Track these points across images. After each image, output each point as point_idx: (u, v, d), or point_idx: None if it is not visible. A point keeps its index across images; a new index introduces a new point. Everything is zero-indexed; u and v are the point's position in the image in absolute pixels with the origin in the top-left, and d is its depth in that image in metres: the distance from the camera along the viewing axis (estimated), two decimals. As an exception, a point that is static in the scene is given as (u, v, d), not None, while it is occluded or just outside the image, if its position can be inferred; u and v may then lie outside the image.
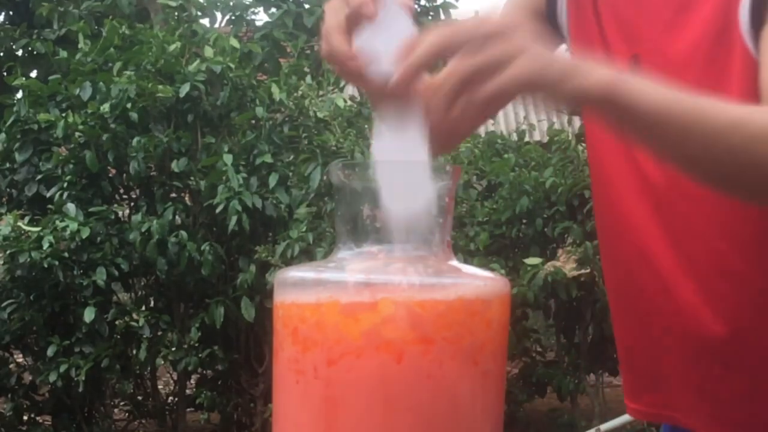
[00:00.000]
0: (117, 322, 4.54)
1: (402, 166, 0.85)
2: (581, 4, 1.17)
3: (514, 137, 5.20)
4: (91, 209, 4.60)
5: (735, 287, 1.07)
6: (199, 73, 4.70)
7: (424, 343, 0.78)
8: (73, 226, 4.37)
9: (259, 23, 6.73)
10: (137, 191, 4.99)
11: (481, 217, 4.46)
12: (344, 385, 0.79)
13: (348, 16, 0.86)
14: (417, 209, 0.83)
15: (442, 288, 0.81)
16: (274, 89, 4.75)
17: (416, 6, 6.71)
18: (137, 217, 4.57)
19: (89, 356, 4.47)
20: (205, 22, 6.22)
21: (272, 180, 4.50)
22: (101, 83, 4.75)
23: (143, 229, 4.46)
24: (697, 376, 1.13)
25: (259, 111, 4.72)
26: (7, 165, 4.91)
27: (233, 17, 6.70)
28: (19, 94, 5.30)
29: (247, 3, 6.75)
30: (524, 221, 4.48)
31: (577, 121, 4.88)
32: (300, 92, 4.76)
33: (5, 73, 7.34)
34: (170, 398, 5.17)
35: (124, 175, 4.83)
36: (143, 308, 4.71)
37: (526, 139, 5.21)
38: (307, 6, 6.67)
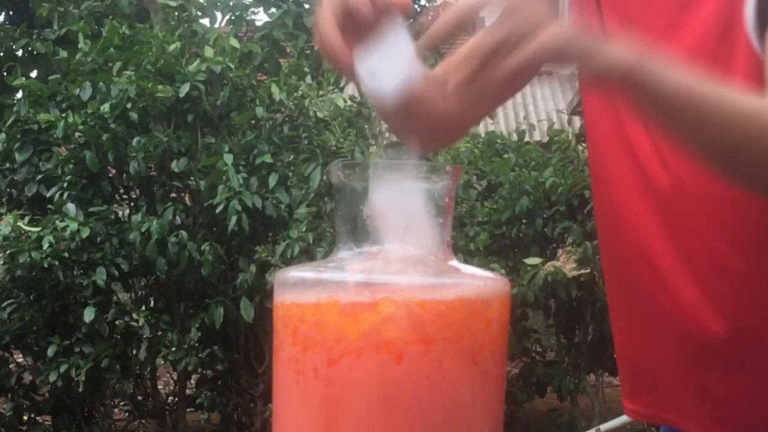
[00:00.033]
0: (117, 322, 4.54)
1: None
2: (584, 2, 1.17)
3: (514, 137, 5.20)
4: (91, 209, 4.60)
5: (735, 287, 1.07)
6: (199, 73, 4.70)
7: (424, 343, 0.78)
8: (73, 226, 4.37)
9: (259, 23, 6.72)
10: (137, 191, 4.98)
11: (481, 217, 4.46)
12: (344, 385, 0.79)
13: (344, 11, 0.86)
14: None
15: (442, 288, 0.81)
16: (274, 89, 4.75)
17: (416, 6, 6.71)
18: (137, 217, 4.57)
19: (89, 356, 4.47)
20: (205, 22, 6.21)
21: (272, 180, 4.50)
22: (101, 83, 4.75)
23: (143, 229, 4.46)
24: (697, 376, 1.12)
25: (259, 111, 4.72)
26: (7, 165, 4.91)
27: (233, 17, 6.69)
28: (19, 94, 5.30)
29: (247, 3, 6.74)
30: (524, 221, 4.48)
31: (577, 121, 4.89)
32: (300, 92, 4.76)
33: (5, 73, 7.34)
34: (170, 398, 5.17)
35: (124, 175, 4.83)
36: (143, 308, 4.70)
37: (526, 139, 5.21)
38: (307, 6, 6.66)
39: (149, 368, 4.92)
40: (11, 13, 9.08)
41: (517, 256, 4.47)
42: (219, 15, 6.64)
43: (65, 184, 4.64)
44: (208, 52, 4.86)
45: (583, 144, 4.30)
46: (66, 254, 4.40)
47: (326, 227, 4.20)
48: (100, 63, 4.97)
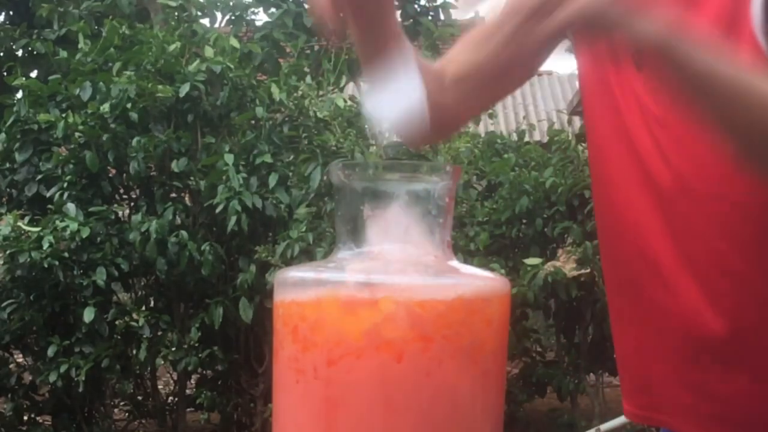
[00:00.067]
0: (117, 322, 4.54)
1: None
2: None
3: (514, 137, 5.21)
4: (91, 209, 4.60)
5: (735, 287, 1.07)
6: (199, 73, 4.70)
7: (423, 341, 0.78)
8: (73, 226, 4.37)
9: (259, 23, 6.72)
10: (137, 191, 4.98)
11: (481, 217, 4.46)
12: (344, 386, 0.79)
13: None
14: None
15: (442, 288, 0.81)
16: (274, 89, 4.75)
17: (416, 6, 6.71)
18: (137, 217, 4.57)
19: (89, 356, 4.46)
20: (205, 22, 6.22)
21: (272, 180, 4.50)
22: (101, 83, 4.75)
23: (143, 229, 4.46)
24: (697, 375, 1.12)
25: (259, 111, 4.72)
26: (7, 165, 4.90)
27: (233, 17, 6.69)
28: (19, 94, 5.29)
29: (247, 3, 6.74)
30: (524, 221, 4.48)
31: (577, 121, 4.89)
32: (300, 92, 4.76)
33: (5, 73, 7.33)
34: (170, 398, 5.17)
35: (124, 175, 4.83)
36: (143, 308, 4.70)
37: (526, 139, 5.21)
38: (307, 6, 6.65)
39: (149, 368, 4.92)
40: (11, 13, 9.07)
41: (517, 256, 4.47)
42: (219, 15, 6.64)
43: (65, 184, 4.64)
44: (208, 52, 4.86)
45: (583, 144, 4.30)
46: (66, 254, 4.40)
47: (326, 227, 4.20)
48: (100, 63, 4.97)
